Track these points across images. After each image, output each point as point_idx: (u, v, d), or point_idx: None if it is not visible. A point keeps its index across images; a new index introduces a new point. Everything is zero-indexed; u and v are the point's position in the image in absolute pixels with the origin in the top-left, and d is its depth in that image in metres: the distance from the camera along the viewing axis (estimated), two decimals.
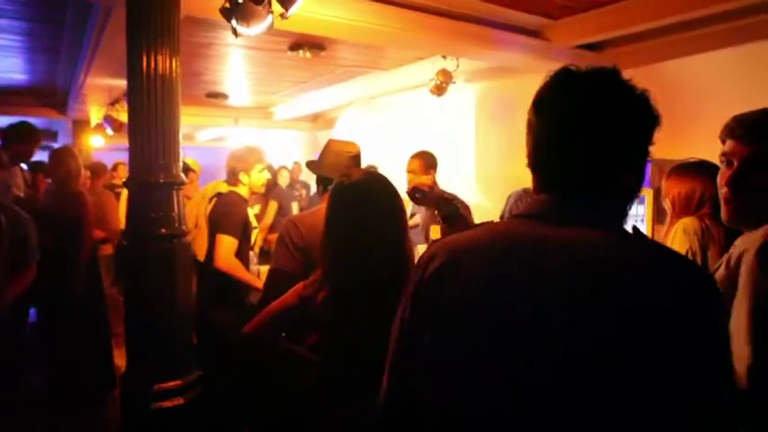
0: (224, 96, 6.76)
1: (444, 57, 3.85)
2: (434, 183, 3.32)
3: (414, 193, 1.76)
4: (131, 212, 2.49)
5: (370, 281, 1.49)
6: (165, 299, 2.43)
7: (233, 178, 3.17)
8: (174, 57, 2.49)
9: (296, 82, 6.02)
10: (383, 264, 1.50)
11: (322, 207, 2.15)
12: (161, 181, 2.43)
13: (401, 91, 5.88)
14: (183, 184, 2.56)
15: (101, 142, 8.31)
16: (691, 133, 3.74)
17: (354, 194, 1.56)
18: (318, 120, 8.50)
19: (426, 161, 3.39)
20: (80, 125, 7.65)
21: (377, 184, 1.59)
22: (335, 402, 1.51)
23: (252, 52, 4.68)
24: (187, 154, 11.14)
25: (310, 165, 2.42)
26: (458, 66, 3.87)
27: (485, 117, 5.53)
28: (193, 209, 3.34)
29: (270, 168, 3.33)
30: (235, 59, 5.03)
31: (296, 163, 7.75)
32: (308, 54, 4.40)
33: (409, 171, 3.36)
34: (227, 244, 2.87)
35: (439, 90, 4.02)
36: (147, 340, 2.44)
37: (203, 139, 11.23)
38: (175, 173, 2.52)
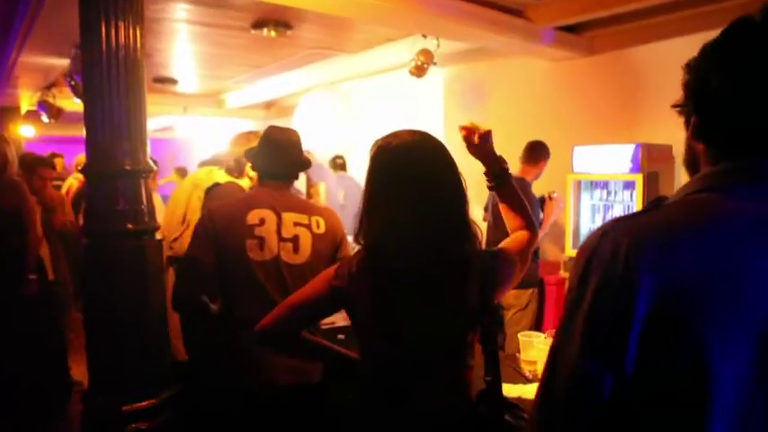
0: (172, 81, 6.28)
1: (424, 36, 3.62)
2: None
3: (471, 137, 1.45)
4: (90, 205, 2.14)
5: (425, 265, 1.22)
6: (135, 306, 2.10)
7: (238, 169, 2.67)
8: (137, 25, 2.16)
9: (252, 66, 5.63)
10: (443, 243, 1.23)
11: (246, 194, 2.12)
12: (127, 168, 2.10)
13: (367, 76, 5.62)
14: (151, 171, 2.24)
15: (32, 132, 7.62)
16: (675, 117, 3.68)
17: (403, 158, 1.24)
18: (272, 107, 8.10)
19: None
20: (8, 113, 6.95)
21: (430, 146, 1.28)
22: (374, 408, 1.29)
23: (208, 30, 4.29)
24: None
25: (249, 154, 2.08)
26: (438, 45, 3.65)
27: (454, 103, 5.36)
28: (181, 200, 2.88)
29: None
30: (187, 38, 4.60)
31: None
32: (272, 33, 4.07)
33: None
34: None
35: (419, 71, 3.79)
36: (114, 354, 2.10)
37: (149, 129, 10.53)
38: (143, 158, 2.19)
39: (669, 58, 3.81)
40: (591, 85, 4.15)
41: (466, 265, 1.26)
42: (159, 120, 9.16)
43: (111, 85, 2.04)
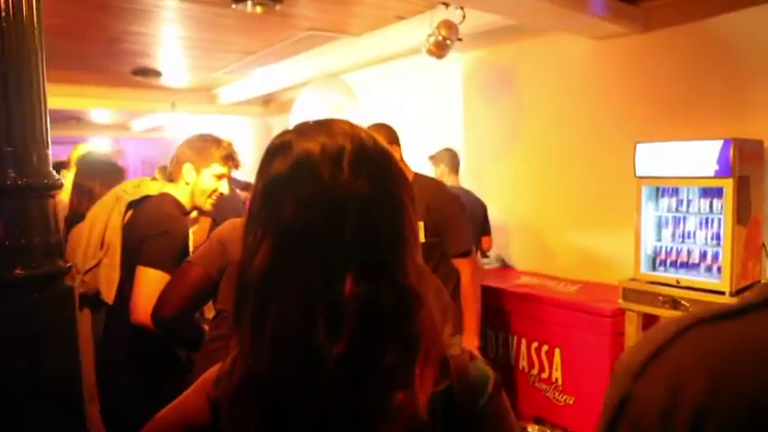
0: (156, 74, 5.59)
1: (446, 5, 2.89)
2: (402, 161, 2.48)
3: None
4: None
5: (314, 362, 0.64)
6: (21, 397, 1.39)
7: (175, 171, 2.09)
8: None
9: (243, 52, 4.93)
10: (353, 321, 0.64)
11: None
12: (8, 183, 1.38)
13: (373, 64, 4.90)
14: (54, 187, 1.52)
15: None
16: (766, 105, 2.92)
17: (291, 166, 0.69)
18: (271, 103, 7.40)
19: (388, 135, 2.51)
20: None
21: (354, 146, 0.70)
22: None
23: (186, 6, 3.59)
24: (125, 146, 9.73)
25: None
26: (464, 17, 2.91)
27: (475, 95, 4.61)
28: (100, 219, 2.25)
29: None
30: (164, 17, 3.91)
31: None
32: (257, 8, 3.36)
33: None
34: (153, 283, 1.77)
35: (439, 49, 3.03)
36: None
37: (140, 129, 9.90)
38: (41, 168, 1.47)
39: (753, 31, 3.07)
40: (648, 69, 3.39)
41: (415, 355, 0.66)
42: (147, 119, 8.53)
43: None
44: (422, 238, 2.41)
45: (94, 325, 2.34)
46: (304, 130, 0.74)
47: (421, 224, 2.40)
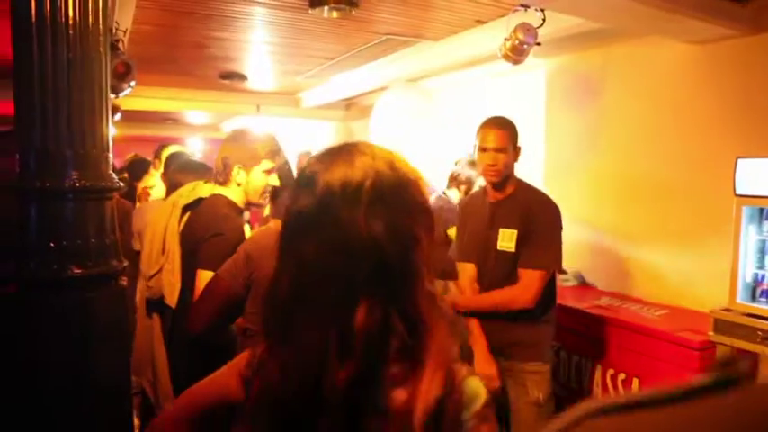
0: (241, 77, 5.78)
1: (525, 7, 2.73)
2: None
3: None
4: (19, 239, 1.48)
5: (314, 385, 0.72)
6: (77, 393, 1.42)
7: (223, 174, 2.09)
8: None
9: (324, 57, 4.99)
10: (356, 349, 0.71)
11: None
12: (66, 185, 1.42)
13: (452, 69, 4.79)
14: (114, 189, 1.55)
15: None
16: None
17: (315, 205, 0.76)
18: (352, 107, 7.47)
19: (512, 135, 2.39)
20: None
21: (391, 192, 0.76)
22: None
23: (268, 12, 3.67)
24: (217, 147, 10.27)
25: None
26: (543, 20, 2.75)
27: (558, 104, 4.38)
28: (160, 224, 2.29)
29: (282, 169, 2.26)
30: (248, 24, 4.02)
31: (305, 154, 6.14)
32: (333, 13, 3.35)
33: (496, 149, 2.28)
34: None
35: (516, 54, 2.87)
36: None
37: (229, 131, 10.35)
38: (100, 170, 1.51)
39: None
40: (754, 76, 3.04)
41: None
42: (236, 121, 8.87)
43: (44, 62, 1.37)
44: (512, 248, 2.28)
45: (163, 329, 2.41)
46: (329, 161, 0.79)
47: (515, 233, 2.28)
